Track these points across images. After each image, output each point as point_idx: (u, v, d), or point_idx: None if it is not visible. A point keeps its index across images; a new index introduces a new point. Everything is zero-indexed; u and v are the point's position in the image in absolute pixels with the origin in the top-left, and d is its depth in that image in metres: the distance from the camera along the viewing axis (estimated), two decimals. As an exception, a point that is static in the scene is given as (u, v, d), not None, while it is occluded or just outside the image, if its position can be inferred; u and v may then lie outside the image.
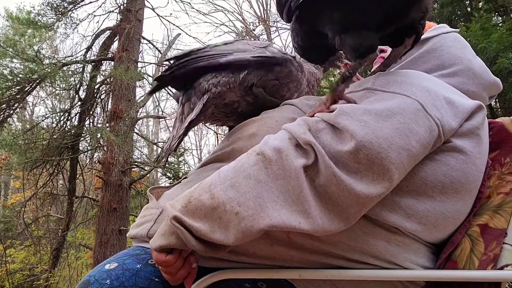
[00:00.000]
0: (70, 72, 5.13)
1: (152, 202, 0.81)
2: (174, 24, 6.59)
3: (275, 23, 8.76)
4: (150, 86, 5.82)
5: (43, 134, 5.16)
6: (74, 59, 5.31)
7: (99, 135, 4.78)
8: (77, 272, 6.40)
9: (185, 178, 0.87)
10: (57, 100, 6.00)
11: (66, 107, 5.39)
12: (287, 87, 0.91)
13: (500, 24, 3.61)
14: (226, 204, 0.56)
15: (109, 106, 5.22)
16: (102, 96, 5.49)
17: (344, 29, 0.67)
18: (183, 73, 0.83)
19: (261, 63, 0.85)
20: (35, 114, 8.57)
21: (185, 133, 0.80)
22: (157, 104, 7.44)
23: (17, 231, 6.89)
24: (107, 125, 4.98)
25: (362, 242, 0.62)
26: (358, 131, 0.56)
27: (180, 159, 5.55)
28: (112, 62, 5.36)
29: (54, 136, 5.04)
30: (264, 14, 9.86)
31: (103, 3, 5.64)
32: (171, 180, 5.19)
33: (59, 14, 5.33)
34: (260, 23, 9.59)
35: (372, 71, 0.78)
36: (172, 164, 5.44)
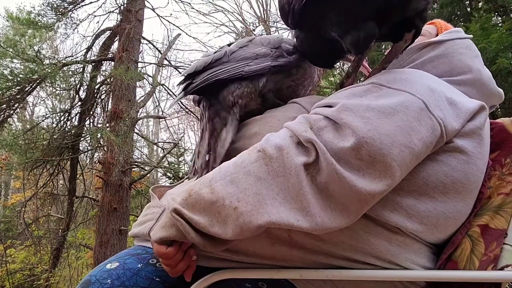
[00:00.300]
0: (70, 72, 5.13)
1: (154, 201, 0.81)
2: (174, 24, 6.56)
3: (275, 23, 8.76)
4: (150, 86, 5.81)
5: (44, 134, 5.16)
6: (74, 59, 5.31)
7: (99, 135, 4.78)
8: (78, 272, 6.39)
9: (188, 177, 0.87)
10: (57, 100, 6.00)
11: (66, 107, 5.39)
12: (302, 85, 0.91)
13: (499, 24, 3.61)
14: (225, 199, 0.56)
15: (109, 106, 5.22)
16: (102, 96, 5.49)
17: (343, 28, 0.67)
18: (205, 86, 0.82)
19: (279, 69, 0.84)
20: (36, 114, 8.57)
21: (227, 151, 0.78)
22: (157, 104, 7.44)
23: (18, 231, 6.89)
24: (107, 125, 4.98)
25: (364, 242, 0.62)
26: (360, 128, 0.56)
27: (180, 159, 5.55)
28: (112, 62, 5.36)
29: (55, 136, 5.04)
30: (264, 14, 9.86)
31: (103, 3, 5.64)
32: (172, 180, 5.19)
33: (59, 14, 5.33)
34: (260, 23, 9.59)
35: (374, 68, 0.78)
36: (173, 164, 5.44)
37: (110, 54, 5.51)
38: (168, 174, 5.34)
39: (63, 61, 5.06)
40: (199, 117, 0.92)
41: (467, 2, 3.90)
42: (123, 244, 4.54)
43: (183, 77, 0.86)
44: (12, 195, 9.36)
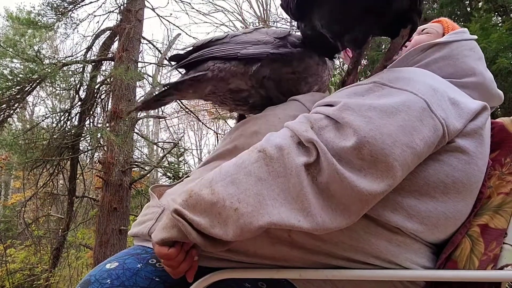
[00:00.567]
0: (70, 72, 5.13)
1: (153, 201, 0.81)
2: (174, 24, 6.55)
3: (275, 23, 8.75)
4: (150, 86, 5.81)
5: (43, 134, 5.16)
6: (74, 59, 5.30)
7: (99, 135, 4.78)
8: (77, 272, 6.39)
9: (187, 177, 0.87)
10: (57, 100, 6.00)
11: (66, 107, 5.39)
12: (305, 81, 0.89)
13: (499, 24, 3.60)
14: (226, 200, 0.56)
15: (109, 106, 5.22)
16: (102, 96, 5.49)
17: (340, 24, 0.67)
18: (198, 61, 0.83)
19: (277, 57, 0.83)
20: (35, 114, 8.58)
21: (169, 85, 0.81)
22: (157, 104, 7.41)
23: (18, 231, 6.89)
24: (107, 125, 4.98)
25: (364, 242, 0.62)
26: (362, 127, 0.56)
27: (180, 159, 5.54)
28: (112, 62, 5.36)
29: (54, 136, 5.04)
30: (264, 14, 9.86)
31: (103, 3, 5.64)
32: (171, 180, 5.19)
33: (59, 14, 5.33)
34: (260, 23, 9.58)
35: (376, 67, 0.78)
36: (172, 164, 5.44)
37: (110, 54, 5.51)
38: (168, 174, 5.34)
39: (63, 61, 5.06)
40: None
41: (467, 2, 3.90)
42: (123, 244, 4.54)
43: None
44: (12, 195, 9.36)
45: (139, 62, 5.48)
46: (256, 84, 0.85)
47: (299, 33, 0.89)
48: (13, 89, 4.64)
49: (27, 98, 5.10)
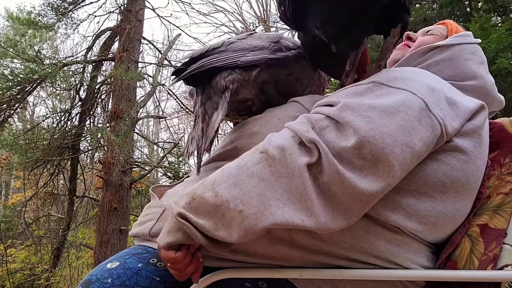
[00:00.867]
0: (70, 72, 5.14)
1: (154, 201, 0.81)
2: (174, 25, 6.57)
3: (275, 23, 8.76)
4: (151, 86, 5.82)
5: (44, 134, 5.17)
6: (75, 59, 5.31)
7: (99, 135, 4.78)
8: (78, 271, 6.40)
9: (188, 177, 0.87)
10: (57, 100, 6.01)
11: (66, 107, 5.39)
12: (301, 82, 0.90)
13: (499, 24, 3.60)
14: (230, 202, 0.56)
15: (110, 106, 5.23)
16: (103, 96, 5.50)
17: (334, 27, 0.68)
18: (199, 73, 0.83)
19: (275, 62, 0.84)
20: (36, 114, 8.57)
21: (215, 135, 0.80)
22: (158, 104, 7.44)
23: (18, 231, 6.89)
24: (108, 125, 4.98)
25: (364, 241, 0.62)
26: (362, 127, 0.56)
27: (180, 159, 5.55)
28: (113, 63, 5.36)
29: (55, 136, 5.05)
30: (264, 15, 9.87)
31: (103, 3, 5.65)
32: (172, 180, 5.19)
33: (59, 14, 5.33)
34: (260, 24, 9.59)
35: (371, 68, 0.78)
36: (173, 164, 5.44)
37: (110, 54, 5.52)
38: (168, 174, 5.34)
39: (64, 61, 5.06)
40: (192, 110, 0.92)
41: (467, 2, 3.90)
42: (123, 244, 4.54)
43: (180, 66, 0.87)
44: (12, 195, 9.37)
45: (139, 62, 5.49)
46: (258, 91, 0.86)
47: (290, 37, 0.90)
48: (14, 89, 4.65)
49: (27, 98, 5.11)
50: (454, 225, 0.66)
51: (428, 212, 0.62)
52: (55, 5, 5.30)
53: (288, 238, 0.63)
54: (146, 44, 5.88)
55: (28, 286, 6.17)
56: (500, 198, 0.68)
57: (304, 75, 0.90)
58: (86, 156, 5.80)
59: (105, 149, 5.03)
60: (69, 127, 5.24)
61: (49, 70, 4.53)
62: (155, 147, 8.81)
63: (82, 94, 5.32)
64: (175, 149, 5.55)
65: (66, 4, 5.40)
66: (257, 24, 9.72)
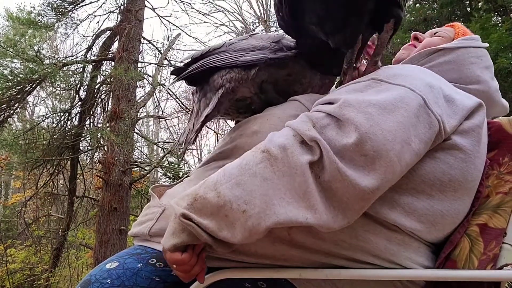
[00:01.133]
0: (70, 72, 5.14)
1: (154, 201, 0.81)
2: (174, 24, 6.54)
3: (275, 23, 8.75)
4: (150, 86, 5.82)
5: (44, 134, 5.16)
6: (75, 59, 5.31)
7: (99, 135, 4.78)
8: (78, 271, 6.39)
9: (188, 176, 0.87)
10: (57, 100, 6.00)
11: (66, 107, 5.39)
12: (300, 82, 0.91)
13: (499, 24, 3.60)
14: (233, 202, 0.56)
15: (109, 106, 5.23)
16: (103, 96, 5.49)
17: (329, 26, 0.68)
18: (199, 72, 0.84)
19: (274, 62, 0.85)
20: (36, 114, 8.56)
21: (201, 127, 0.82)
22: (157, 104, 7.44)
23: (18, 231, 6.89)
24: (108, 125, 4.98)
25: (363, 240, 0.62)
26: (363, 123, 0.56)
27: (180, 159, 5.54)
28: (113, 62, 5.36)
29: (55, 136, 5.05)
30: (264, 14, 9.87)
31: (103, 3, 5.64)
32: (172, 180, 5.19)
33: (59, 14, 5.33)
34: (260, 23, 9.59)
35: (367, 65, 0.78)
36: (172, 164, 5.44)
37: (110, 54, 5.51)
38: (168, 174, 5.34)
39: (63, 61, 5.06)
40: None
41: (467, 2, 3.90)
42: (123, 244, 4.54)
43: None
44: (12, 195, 9.36)
45: (139, 62, 5.49)
46: (258, 90, 0.86)
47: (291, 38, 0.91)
48: (13, 89, 4.64)
49: (27, 98, 5.11)
50: (453, 224, 0.66)
51: (426, 211, 0.62)
52: (55, 5, 5.30)
53: (288, 238, 0.63)
54: (146, 44, 5.88)
55: (28, 286, 6.17)
56: (500, 197, 0.68)
57: (304, 76, 0.90)
58: (86, 156, 5.80)
59: (105, 149, 5.03)
60: (69, 127, 5.24)
61: (49, 70, 4.52)
62: (155, 147, 8.81)
63: (82, 94, 5.31)
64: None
65: (66, 4, 5.40)
66: (257, 24, 9.72)
